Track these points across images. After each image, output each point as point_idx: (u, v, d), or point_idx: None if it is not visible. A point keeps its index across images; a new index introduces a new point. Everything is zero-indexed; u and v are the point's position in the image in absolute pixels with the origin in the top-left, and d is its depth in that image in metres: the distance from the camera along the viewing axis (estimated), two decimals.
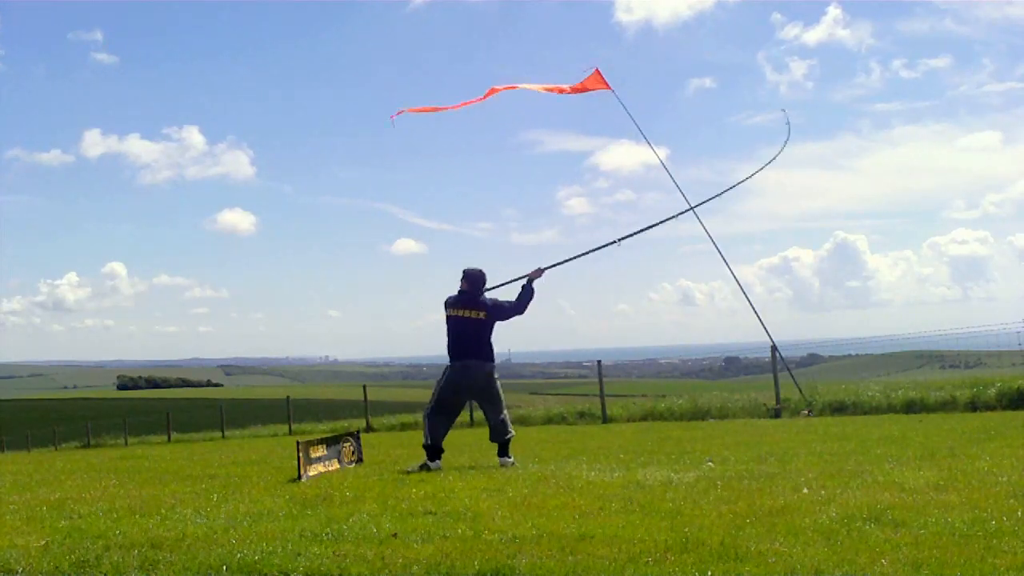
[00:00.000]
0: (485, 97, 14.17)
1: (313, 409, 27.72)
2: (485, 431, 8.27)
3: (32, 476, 9.47)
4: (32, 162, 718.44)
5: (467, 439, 8.03)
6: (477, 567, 3.66)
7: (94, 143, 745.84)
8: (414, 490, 5.98)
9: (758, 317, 16.05)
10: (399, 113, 13.26)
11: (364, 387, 22.91)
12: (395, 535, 4.35)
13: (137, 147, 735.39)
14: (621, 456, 8.16)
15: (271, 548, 4.13)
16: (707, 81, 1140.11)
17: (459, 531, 4.40)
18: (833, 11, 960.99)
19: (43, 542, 4.54)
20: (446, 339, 7.86)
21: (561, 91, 15.60)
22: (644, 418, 16.00)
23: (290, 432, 21.82)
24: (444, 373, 7.88)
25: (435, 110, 14.31)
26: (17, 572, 3.96)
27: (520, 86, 15.10)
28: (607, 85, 15.70)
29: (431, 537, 4.29)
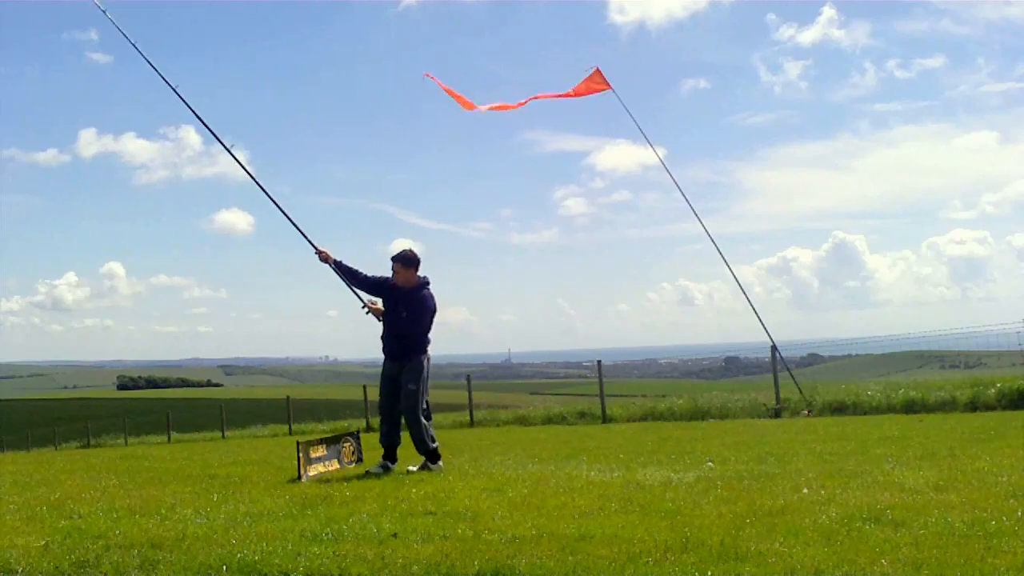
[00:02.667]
0: (508, 107, 14.53)
1: (313, 409, 27.69)
2: (485, 431, 8.27)
3: (32, 476, 9.46)
4: (28, 162, 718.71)
5: (468, 439, 7.99)
6: (477, 567, 3.66)
7: (90, 142, 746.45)
8: (414, 490, 5.98)
9: (758, 317, 16.07)
10: (433, 80, 13.99)
11: (364, 387, 22.81)
12: (395, 535, 4.35)
13: (133, 146, 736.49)
14: (621, 456, 8.16)
15: (271, 548, 4.13)
16: (701, 82, 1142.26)
17: (459, 531, 4.40)
18: (828, 11, 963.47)
19: (43, 542, 4.54)
20: (423, 321, 7.37)
21: (567, 96, 15.73)
22: (644, 418, 15.99)
23: (290, 432, 21.81)
24: (426, 364, 7.35)
25: (462, 100, 14.48)
26: (17, 572, 3.96)
27: (533, 99, 15.36)
28: (608, 84, 15.72)
29: (431, 537, 4.29)
